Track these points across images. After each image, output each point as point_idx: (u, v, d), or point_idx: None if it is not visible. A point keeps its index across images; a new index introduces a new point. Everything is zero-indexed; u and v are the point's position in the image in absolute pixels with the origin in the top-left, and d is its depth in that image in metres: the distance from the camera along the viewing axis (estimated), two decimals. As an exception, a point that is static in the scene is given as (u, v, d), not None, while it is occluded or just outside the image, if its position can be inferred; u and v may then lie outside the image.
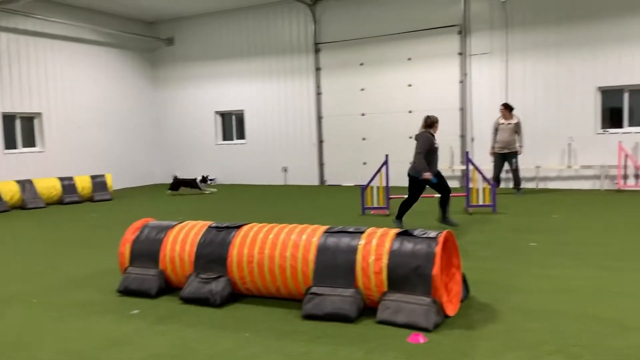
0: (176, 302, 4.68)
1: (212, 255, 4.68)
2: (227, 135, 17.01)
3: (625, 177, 11.59)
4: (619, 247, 6.24)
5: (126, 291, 4.94)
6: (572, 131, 12.12)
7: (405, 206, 7.62)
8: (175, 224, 5.13)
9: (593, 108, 12.00)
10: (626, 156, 11.50)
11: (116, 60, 16.22)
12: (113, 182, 14.57)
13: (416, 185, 7.41)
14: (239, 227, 4.79)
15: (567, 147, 12.21)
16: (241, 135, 16.61)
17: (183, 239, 4.89)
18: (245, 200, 12.44)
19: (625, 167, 11.58)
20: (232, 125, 16.86)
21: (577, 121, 12.08)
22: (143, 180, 17.07)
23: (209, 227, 4.92)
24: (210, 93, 16.69)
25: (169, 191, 13.87)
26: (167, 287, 4.93)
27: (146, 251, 5.00)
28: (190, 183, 13.77)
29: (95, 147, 15.44)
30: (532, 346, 3.47)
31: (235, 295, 4.66)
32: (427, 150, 7.20)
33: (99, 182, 13.28)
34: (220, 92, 16.54)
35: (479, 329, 3.79)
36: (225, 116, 16.97)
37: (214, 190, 14.09)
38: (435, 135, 7.40)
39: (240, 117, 16.58)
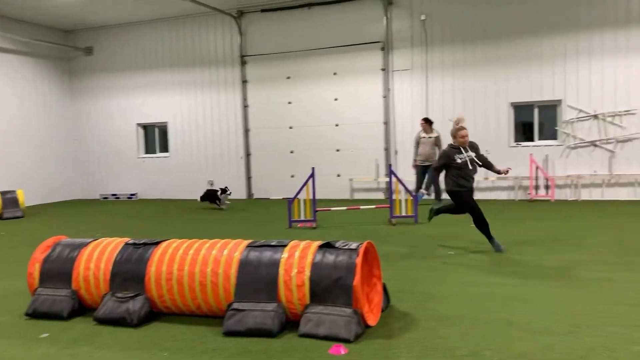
0: (90, 323, 4.45)
1: (129, 273, 4.50)
2: (149, 148, 16.52)
3: (536, 187, 12.34)
4: (530, 254, 6.60)
5: (35, 314, 4.64)
6: (488, 144, 12.75)
7: (478, 224, 6.74)
8: (90, 242, 4.89)
9: (507, 123, 12.72)
10: (537, 168, 12.26)
11: (30, 69, 15.37)
12: (26, 199, 13.71)
13: (457, 199, 6.74)
14: (157, 243, 4.64)
15: (484, 160, 12.83)
16: (165, 148, 16.19)
17: (98, 257, 4.67)
18: (169, 215, 12.09)
19: (537, 178, 12.34)
20: (155, 137, 16.40)
21: (492, 135, 12.76)
22: (60, 196, 16.20)
23: (126, 244, 4.73)
24: (132, 105, 16.18)
25: (200, 201, 13.12)
26: (81, 308, 4.68)
27: (57, 271, 4.73)
28: (215, 195, 12.76)
29: (6, 161, 14.49)
30: (447, 352, 3.59)
31: (154, 314, 4.50)
32: (443, 165, 6.67)
33: (9, 199, 12.44)
34: (142, 104, 16.07)
35: (398, 338, 3.88)
36: (147, 128, 16.49)
37: (228, 203, 12.80)
38: (463, 147, 6.61)
39: (163, 129, 16.17)
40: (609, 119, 11.88)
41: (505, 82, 12.61)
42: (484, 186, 12.93)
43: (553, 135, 12.65)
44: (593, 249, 6.75)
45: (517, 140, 12.88)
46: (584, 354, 3.49)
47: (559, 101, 12.33)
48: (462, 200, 6.67)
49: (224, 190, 12.61)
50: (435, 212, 7.33)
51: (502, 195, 12.77)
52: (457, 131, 6.61)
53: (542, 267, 5.89)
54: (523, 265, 6.03)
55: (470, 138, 12.51)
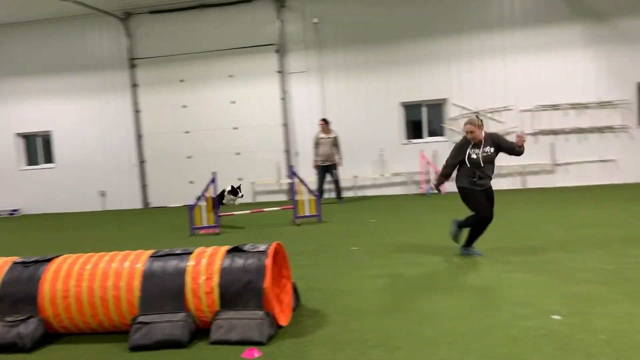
0: (-25, 353, 4.04)
1: (19, 295, 4.14)
2: (32, 160, 15.30)
3: (427, 182, 13.06)
4: (426, 245, 6.98)
5: None
6: (382, 142, 13.32)
7: (472, 227, 6.08)
8: (-30, 264, 4.43)
9: (397, 121, 13.35)
10: (427, 163, 12.99)
11: None
12: None
13: (465, 197, 5.98)
14: (49, 260, 4.32)
15: (379, 157, 13.38)
16: (49, 158, 15.08)
17: (-20, 280, 4.25)
18: (57, 230, 11.27)
19: (427, 173, 13.06)
20: (38, 148, 15.23)
21: (385, 133, 13.33)
22: None
23: (14, 263, 4.35)
24: (9, 113, 14.92)
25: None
26: (-38, 338, 4.23)
27: None
28: (220, 196, 10.04)
29: None
30: (358, 344, 3.70)
31: (50, 336, 4.19)
32: (454, 160, 5.96)
33: None
34: (21, 112, 14.87)
35: (310, 335, 3.93)
36: (29, 138, 15.26)
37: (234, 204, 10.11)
38: (476, 143, 5.84)
39: (47, 138, 15.05)
40: (490, 115, 12.88)
41: (395, 82, 13.24)
42: (380, 182, 13.46)
43: (440, 132, 13.46)
44: (482, 236, 7.27)
45: (408, 137, 13.55)
46: (482, 333, 3.76)
47: (445, 100, 13.16)
48: (472, 199, 5.92)
49: (233, 192, 9.96)
50: (458, 227, 6.23)
51: (398, 191, 13.37)
52: (464, 125, 5.96)
53: (438, 256, 6.25)
54: (421, 255, 6.37)
55: (364, 137, 13.19)
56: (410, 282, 5.23)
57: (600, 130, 12.50)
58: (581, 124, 12.55)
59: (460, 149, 5.93)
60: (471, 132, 5.81)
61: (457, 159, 5.94)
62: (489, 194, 5.98)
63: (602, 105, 12.44)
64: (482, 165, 5.81)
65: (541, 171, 12.84)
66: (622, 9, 12.31)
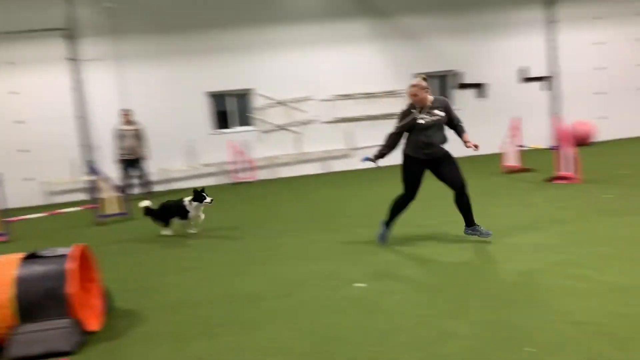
0: None
1: None
2: None
3: (239, 171, 13.24)
4: (239, 231, 7.12)
5: None
6: (189, 133, 13.10)
7: (395, 204, 5.62)
8: None
9: (205, 111, 13.25)
10: (238, 152, 13.15)
11: None
12: None
13: (403, 166, 5.51)
14: None
15: (188, 149, 13.13)
16: None
17: None
18: None
19: (239, 162, 13.23)
20: None
21: (193, 124, 13.13)
22: None
23: None
24: None
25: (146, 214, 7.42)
26: None
27: None
28: (179, 209, 7.10)
29: None
30: (176, 337, 3.67)
31: None
32: (398, 128, 5.46)
33: None
34: None
35: (126, 336, 3.78)
36: None
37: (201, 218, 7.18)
38: (423, 107, 5.34)
39: None
40: (293, 104, 13.51)
41: (200, 72, 13.09)
42: (192, 174, 13.25)
43: (248, 122, 13.72)
44: (292, 219, 7.68)
45: (215, 128, 13.54)
46: (297, 309, 4.03)
47: (250, 90, 13.43)
48: (407, 172, 5.52)
49: (198, 197, 6.94)
50: (387, 225, 5.74)
51: (210, 181, 13.30)
52: (408, 88, 5.44)
53: (253, 244, 6.43)
54: (235, 242, 6.50)
55: (171, 128, 12.84)
56: (225, 269, 5.31)
57: (387, 117, 13.94)
58: (372, 112, 13.89)
59: (403, 116, 5.46)
60: (414, 95, 5.34)
61: (401, 126, 5.46)
62: (444, 161, 5.42)
63: (387, 94, 13.92)
64: (431, 130, 5.32)
65: (341, 156, 13.92)
66: (401, 9, 13.88)
